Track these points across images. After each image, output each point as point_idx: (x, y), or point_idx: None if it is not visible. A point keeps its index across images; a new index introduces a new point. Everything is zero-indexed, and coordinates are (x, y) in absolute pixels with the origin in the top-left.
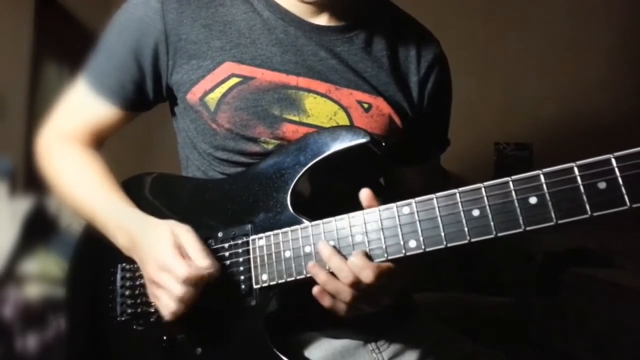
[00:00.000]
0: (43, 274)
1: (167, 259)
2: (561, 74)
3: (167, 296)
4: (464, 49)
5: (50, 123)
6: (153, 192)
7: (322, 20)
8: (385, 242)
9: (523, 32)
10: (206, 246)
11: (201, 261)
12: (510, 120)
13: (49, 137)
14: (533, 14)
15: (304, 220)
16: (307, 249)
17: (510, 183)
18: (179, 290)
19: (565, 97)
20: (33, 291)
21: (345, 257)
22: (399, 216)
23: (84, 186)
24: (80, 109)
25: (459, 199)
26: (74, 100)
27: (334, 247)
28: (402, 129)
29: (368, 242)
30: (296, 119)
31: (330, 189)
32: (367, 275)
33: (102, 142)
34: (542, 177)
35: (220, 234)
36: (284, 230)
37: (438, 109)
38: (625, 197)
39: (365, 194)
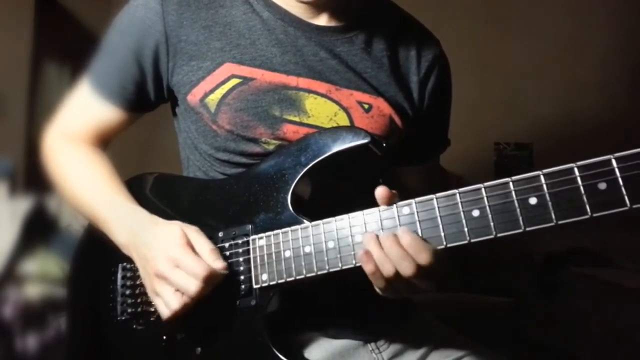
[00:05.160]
0: (43, 274)
1: (182, 255)
2: (561, 74)
3: (173, 294)
4: (464, 49)
5: (55, 123)
6: (154, 192)
7: (322, 20)
8: None
9: (523, 32)
10: (215, 246)
11: (215, 261)
12: (510, 120)
13: (54, 137)
14: (533, 14)
15: (304, 220)
16: (307, 249)
17: (511, 183)
18: (195, 286)
19: (565, 97)
20: (33, 291)
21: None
22: (398, 216)
23: (88, 183)
24: (84, 110)
25: (459, 200)
26: (78, 101)
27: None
28: (402, 129)
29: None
30: (296, 119)
31: (331, 189)
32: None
33: (107, 142)
34: (542, 177)
35: (220, 234)
36: (284, 230)
37: (438, 109)
38: (626, 197)
39: (380, 193)
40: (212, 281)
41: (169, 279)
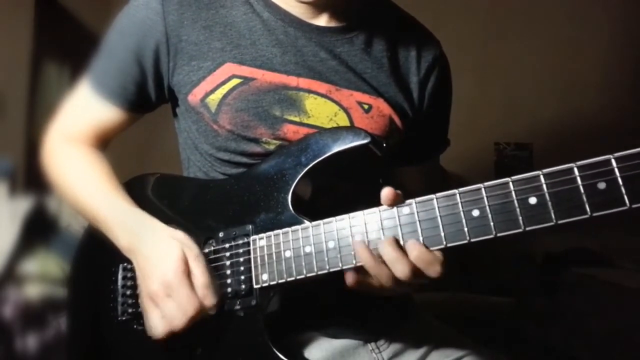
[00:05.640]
0: (43, 274)
1: (177, 286)
2: (561, 74)
3: (160, 319)
4: (464, 49)
5: (55, 124)
6: (155, 193)
7: (322, 21)
8: None
9: (523, 32)
10: (213, 277)
11: (206, 299)
12: (510, 120)
13: (54, 137)
14: (533, 14)
15: (305, 220)
16: (307, 249)
17: (510, 183)
18: (181, 321)
19: (565, 97)
20: (33, 291)
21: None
22: (399, 216)
23: (87, 186)
24: (84, 110)
25: (458, 199)
26: (78, 102)
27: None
28: (402, 129)
29: (368, 242)
30: (297, 119)
31: (331, 189)
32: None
33: (107, 142)
34: (542, 177)
35: (221, 234)
36: (284, 230)
37: (438, 109)
38: (625, 197)
39: (386, 194)
40: (198, 317)
41: (159, 305)
